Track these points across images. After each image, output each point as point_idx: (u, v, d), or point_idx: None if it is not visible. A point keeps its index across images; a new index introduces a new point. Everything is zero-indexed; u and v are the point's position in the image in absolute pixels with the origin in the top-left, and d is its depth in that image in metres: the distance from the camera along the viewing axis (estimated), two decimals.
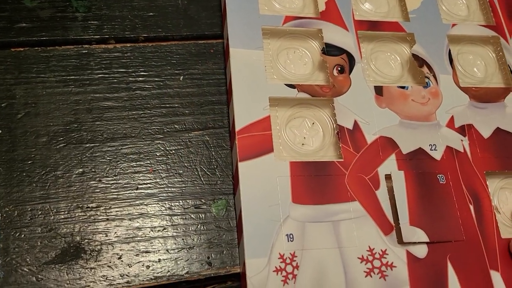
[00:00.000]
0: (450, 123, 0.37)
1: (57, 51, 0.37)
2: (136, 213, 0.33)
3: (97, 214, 0.32)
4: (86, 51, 0.37)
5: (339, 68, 0.38)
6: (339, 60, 0.38)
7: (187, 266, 0.32)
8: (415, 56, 0.40)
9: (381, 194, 0.34)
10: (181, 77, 0.37)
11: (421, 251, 0.33)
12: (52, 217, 0.32)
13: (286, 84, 0.36)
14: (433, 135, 0.37)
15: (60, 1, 0.38)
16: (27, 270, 0.30)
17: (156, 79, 0.37)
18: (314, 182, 0.33)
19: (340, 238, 0.32)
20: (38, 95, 0.35)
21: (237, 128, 0.34)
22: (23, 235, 0.31)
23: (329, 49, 0.38)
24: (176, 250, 0.32)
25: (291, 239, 0.32)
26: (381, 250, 0.32)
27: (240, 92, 0.35)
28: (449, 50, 0.40)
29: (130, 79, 0.37)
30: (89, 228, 0.32)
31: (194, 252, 0.32)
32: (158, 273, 0.31)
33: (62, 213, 0.32)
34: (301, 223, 0.32)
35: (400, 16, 0.42)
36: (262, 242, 0.31)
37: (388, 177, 0.34)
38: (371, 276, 0.31)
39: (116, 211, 0.32)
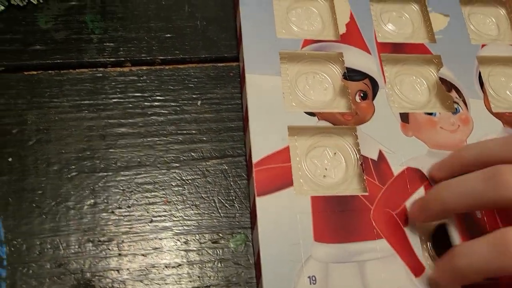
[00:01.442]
0: None
1: (71, 74, 0.33)
2: (149, 248, 0.29)
3: (108, 249, 0.29)
4: (101, 74, 0.34)
5: (361, 94, 0.34)
6: (361, 85, 0.34)
7: None
8: (442, 80, 0.35)
9: (410, 231, 0.30)
10: (199, 102, 0.34)
11: None
12: (62, 251, 0.28)
13: (305, 112, 0.33)
14: None
15: (75, 22, 0.35)
16: None
17: (173, 103, 0.33)
18: (338, 219, 0.29)
19: (366, 280, 0.28)
20: (50, 120, 0.32)
21: (254, 161, 0.30)
22: (31, 271, 0.28)
23: (351, 74, 0.34)
24: None
25: (314, 282, 0.28)
26: None
27: (257, 122, 0.31)
28: (479, 73, 0.36)
29: (146, 104, 0.33)
30: (100, 264, 0.28)
31: None
32: None
33: (72, 247, 0.28)
34: (324, 263, 0.28)
35: (425, 37, 0.38)
36: (282, 285, 0.27)
37: None
38: None
39: (129, 246, 0.29)
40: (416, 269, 0.29)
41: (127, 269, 0.28)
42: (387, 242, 0.29)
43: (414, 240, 0.30)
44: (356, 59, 0.35)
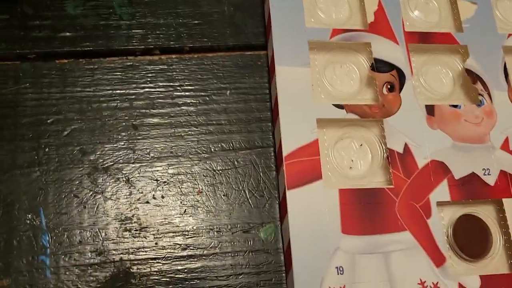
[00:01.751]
0: (505, 145, 0.33)
1: (102, 63, 0.33)
2: (184, 238, 0.30)
3: (145, 238, 0.30)
4: (131, 63, 0.34)
5: (389, 86, 0.34)
6: (389, 77, 0.34)
7: None
8: (468, 71, 0.35)
9: (432, 223, 0.31)
10: (228, 92, 0.34)
11: (473, 284, 0.30)
12: (102, 240, 0.29)
13: (334, 105, 0.33)
14: (486, 158, 0.33)
15: (103, 8, 0.35)
16: None
17: (202, 93, 0.33)
18: (364, 211, 0.30)
19: (390, 270, 0.29)
20: (84, 110, 0.32)
21: (285, 154, 0.31)
22: (73, 260, 0.29)
23: (378, 65, 0.34)
24: (224, 277, 0.29)
25: (341, 272, 0.29)
26: (433, 283, 0.29)
27: (287, 115, 0.32)
28: (505, 63, 0.36)
29: (176, 93, 0.33)
30: (138, 253, 0.29)
31: (243, 279, 0.29)
32: None
33: (111, 236, 0.29)
34: (351, 255, 0.29)
35: (452, 26, 0.37)
36: (311, 276, 0.28)
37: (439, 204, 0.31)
38: None
39: (165, 235, 0.30)
40: (438, 259, 0.30)
41: (164, 257, 0.29)
42: (411, 234, 0.30)
43: (437, 232, 0.31)
44: (384, 49, 0.35)
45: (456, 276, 0.30)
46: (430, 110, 0.34)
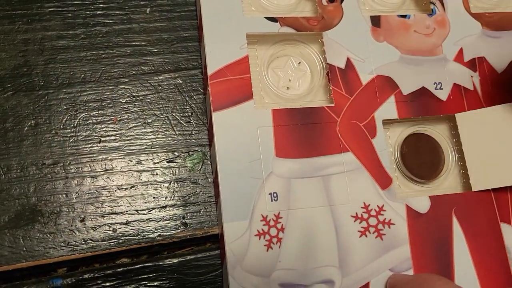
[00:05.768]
0: (459, 57, 0.31)
1: None
2: (99, 170, 0.27)
3: (54, 172, 0.27)
4: None
5: None
6: None
7: (160, 228, 0.27)
8: None
9: (378, 143, 0.28)
10: (148, 9, 0.31)
11: (422, 206, 0.28)
12: (3, 176, 0.26)
13: (266, 18, 0.30)
14: (438, 71, 0.30)
15: None
16: None
17: (118, 12, 0.30)
18: (301, 132, 0.28)
19: (331, 195, 0.27)
20: None
21: (210, 72, 0.28)
22: None
23: None
24: (146, 211, 0.27)
25: (275, 199, 0.27)
26: (378, 207, 0.27)
27: (212, 29, 0.29)
28: None
29: (88, 12, 0.30)
30: (46, 188, 0.27)
31: (167, 212, 0.27)
32: (126, 236, 0.26)
33: (14, 171, 0.27)
34: (286, 179, 0.27)
35: None
36: (242, 203, 0.26)
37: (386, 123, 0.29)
38: (366, 236, 0.27)
39: (77, 168, 0.27)
40: (383, 181, 0.28)
41: (76, 192, 0.27)
42: (354, 155, 0.28)
43: (382, 152, 0.28)
44: None
45: (404, 198, 0.28)
46: (376, 21, 0.31)
